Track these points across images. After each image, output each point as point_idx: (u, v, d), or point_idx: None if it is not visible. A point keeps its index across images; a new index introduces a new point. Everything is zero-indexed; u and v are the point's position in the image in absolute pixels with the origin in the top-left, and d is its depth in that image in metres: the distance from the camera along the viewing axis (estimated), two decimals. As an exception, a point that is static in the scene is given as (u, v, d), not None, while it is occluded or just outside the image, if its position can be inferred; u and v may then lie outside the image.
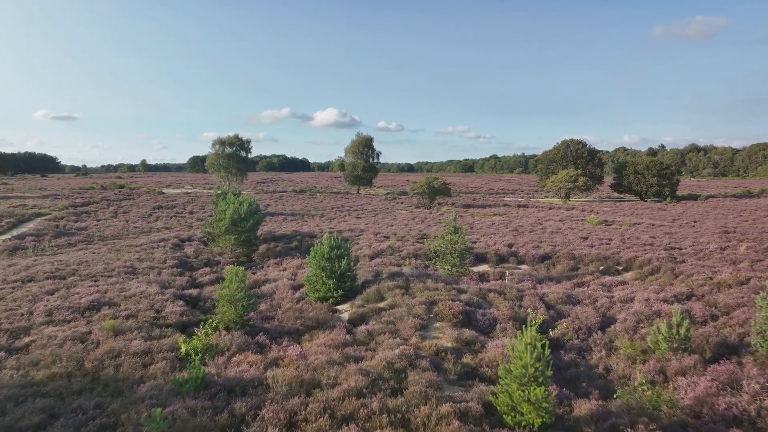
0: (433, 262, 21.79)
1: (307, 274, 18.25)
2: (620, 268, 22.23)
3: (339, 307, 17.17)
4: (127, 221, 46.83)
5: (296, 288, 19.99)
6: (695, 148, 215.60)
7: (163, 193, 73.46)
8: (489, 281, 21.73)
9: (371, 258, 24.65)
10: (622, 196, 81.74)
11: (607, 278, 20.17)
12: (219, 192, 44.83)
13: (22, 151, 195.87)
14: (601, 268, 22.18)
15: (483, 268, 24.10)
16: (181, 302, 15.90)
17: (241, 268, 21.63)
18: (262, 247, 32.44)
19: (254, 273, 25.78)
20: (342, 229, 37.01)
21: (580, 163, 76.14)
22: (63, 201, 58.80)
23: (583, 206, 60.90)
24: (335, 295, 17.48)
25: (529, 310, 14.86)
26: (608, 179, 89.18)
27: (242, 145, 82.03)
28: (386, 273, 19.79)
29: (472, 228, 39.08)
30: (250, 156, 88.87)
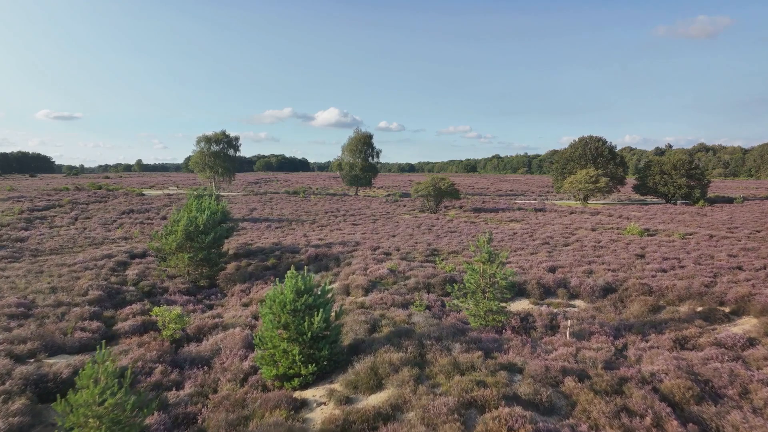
0: (455, 301, 14.90)
1: (260, 332, 11.42)
2: (727, 310, 15.35)
3: (309, 394, 10.34)
4: (85, 229, 40.08)
5: (253, 345, 13.22)
6: (704, 148, 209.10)
7: (143, 194, 66.78)
8: (536, 329, 14.96)
9: (366, 291, 17.81)
10: (644, 198, 74.84)
11: (722, 332, 13.31)
12: (195, 193, 38.20)
13: (25, 150, 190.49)
14: (698, 309, 15.33)
15: (523, 305, 17.28)
16: (23, 400, 9.04)
17: (172, 309, 14.92)
18: (231, 266, 25.65)
19: (206, 310, 19.01)
20: (333, 242, 30.19)
21: (601, 162, 69.22)
22: (25, 204, 52.18)
23: (608, 210, 54.01)
24: (304, 372, 10.66)
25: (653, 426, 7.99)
26: (629, 180, 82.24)
27: (230, 142, 75.16)
28: (387, 326, 12.97)
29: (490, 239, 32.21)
30: (240, 155, 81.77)
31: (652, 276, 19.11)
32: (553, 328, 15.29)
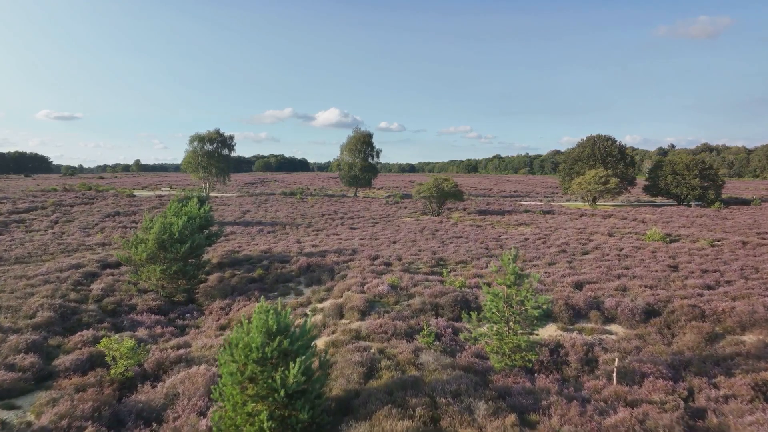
0: (473, 333, 12.06)
1: (221, 385, 8.61)
2: (804, 342, 12.58)
3: (282, 476, 7.55)
4: (62, 233, 37.33)
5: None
6: (707, 148, 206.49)
7: (134, 195, 64.05)
8: (569, 364, 12.21)
9: (363, 313, 15.01)
10: (654, 199, 72.03)
11: (813, 375, 10.52)
12: (182, 195, 35.50)
13: (23, 151, 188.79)
14: (768, 341, 12.54)
15: (549, 331, 14.51)
16: None
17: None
18: (213, 278, 22.90)
19: (177, 333, 16.23)
20: (328, 249, 27.42)
21: (610, 162, 66.34)
22: (6, 205, 49.50)
23: (621, 213, 51.21)
24: (275, 443, 7.86)
25: None
26: (639, 180, 79.37)
27: (224, 141, 72.37)
28: (388, 369, 10.17)
29: (501, 246, 29.44)
30: (237, 154, 79.47)
31: (699, 295, 16.31)
32: (589, 362, 12.53)
